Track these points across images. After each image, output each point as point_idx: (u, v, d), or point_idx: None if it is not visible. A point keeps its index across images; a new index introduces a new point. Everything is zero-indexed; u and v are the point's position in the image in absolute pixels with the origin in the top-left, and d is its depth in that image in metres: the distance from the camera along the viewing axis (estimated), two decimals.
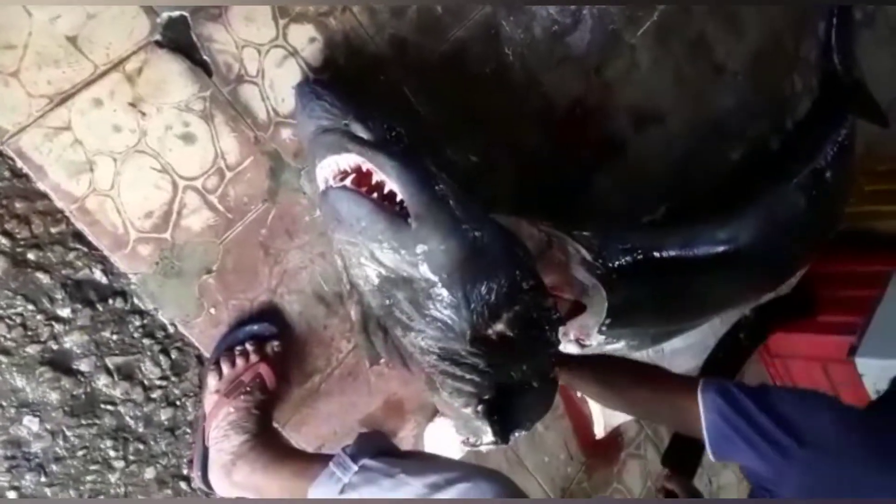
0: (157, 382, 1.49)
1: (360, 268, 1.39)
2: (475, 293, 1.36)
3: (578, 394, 2.06)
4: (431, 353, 1.39)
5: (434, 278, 1.33)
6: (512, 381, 1.45)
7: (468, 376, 1.39)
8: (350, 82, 1.61)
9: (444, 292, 1.33)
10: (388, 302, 1.40)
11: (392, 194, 1.34)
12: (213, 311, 1.50)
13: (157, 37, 1.39)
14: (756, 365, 2.69)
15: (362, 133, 1.37)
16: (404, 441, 1.80)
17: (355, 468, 1.15)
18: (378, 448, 1.23)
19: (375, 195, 1.34)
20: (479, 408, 1.40)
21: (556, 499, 2.10)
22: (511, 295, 1.41)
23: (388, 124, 1.41)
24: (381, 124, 1.40)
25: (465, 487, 1.06)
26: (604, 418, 2.12)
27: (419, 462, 1.21)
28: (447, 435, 1.75)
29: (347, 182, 1.36)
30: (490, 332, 1.40)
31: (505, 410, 1.43)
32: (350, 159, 1.35)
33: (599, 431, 2.15)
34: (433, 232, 1.32)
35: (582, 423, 2.13)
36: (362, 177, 1.36)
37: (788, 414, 1.24)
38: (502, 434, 1.43)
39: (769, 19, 2.42)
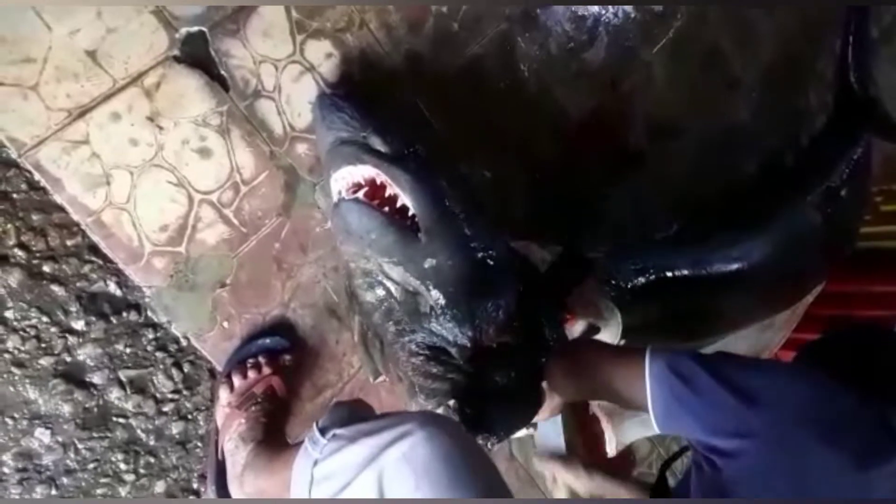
0: (169, 396, 1.48)
1: (364, 279, 1.40)
2: (480, 310, 1.37)
3: (591, 411, 2.04)
4: (419, 356, 1.40)
5: (439, 293, 1.34)
6: (493, 386, 1.44)
7: (448, 376, 1.39)
8: (366, 97, 1.61)
9: (449, 307, 1.35)
10: (389, 315, 1.41)
11: (404, 208, 1.35)
12: (226, 324, 1.50)
13: (176, 52, 1.40)
14: None
15: (380, 146, 1.38)
16: None
17: (324, 441, 1.10)
18: (350, 416, 1.16)
19: (387, 208, 1.35)
20: (451, 403, 1.40)
21: (551, 499, 2.07)
22: (514, 314, 1.42)
23: (407, 139, 1.42)
24: (399, 139, 1.41)
25: (411, 441, 1.00)
26: (616, 436, 2.10)
27: (382, 421, 1.14)
28: None
29: (360, 194, 1.36)
30: (492, 344, 1.41)
31: (478, 413, 1.41)
32: (365, 171, 1.36)
33: (611, 450, 2.13)
34: (442, 247, 1.33)
35: (593, 442, 2.11)
36: (376, 190, 1.37)
37: (741, 380, 1.15)
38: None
39: (784, 35, 2.41)
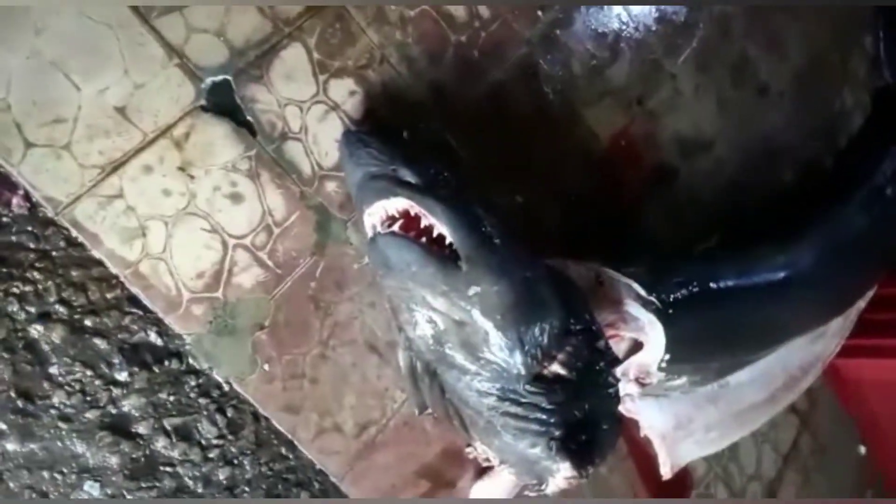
0: (215, 442, 1.49)
1: (410, 313, 1.39)
2: (529, 335, 1.35)
3: (642, 433, 1.99)
4: (491, 395, 1.38)
5: (487, 321, 1.32)
6: (577, 419, 1.42)
7: (532, 415, 1.38)
8: (393, 131, 1.62)
9: (498, 334, 1.33)
10: (439, 347, 1.39)
11: (441, 238, 1.34)
12: (266, 367, 1.51)
13: (203, 102, 1.43)
14: (826, 393, 2.58)
15: (410, 177, 1.38)
16: (462, 490, 1.76)
17: None
18: None
19: (424, 239, 1.35)
20: (552, 444, 1.38)
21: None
22: (563, 336, 1.40)
23: (436, 168, 1.42)
24: (428, 168, 1.41)
25: None
26: (670, 458, 2.05)
27: None
28: (496, 493, 1.71)
29: (395, 227, 1.36)
30: (546, 372, 1.39)
31: (579, 445, 1.40)
32: (398, 203, 1.36)
33: (666, 471, 2.07)
34: (485, 274, 1.32)
35: (647, 464, 2.06)
36: (410, 221, 1.37)
37: None
38: (580, 468, 1.39)
39: (812, 37, 2.38)
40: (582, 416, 1.43)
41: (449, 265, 1.31)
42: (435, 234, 1.35)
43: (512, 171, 1.80)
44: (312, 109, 1.55)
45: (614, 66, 1.96)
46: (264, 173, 1.50)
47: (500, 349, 1.34)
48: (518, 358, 1.34)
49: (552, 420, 1.38)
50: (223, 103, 1.46)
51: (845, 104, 2.49)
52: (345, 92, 1.58)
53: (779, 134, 2.29)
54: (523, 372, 1.35)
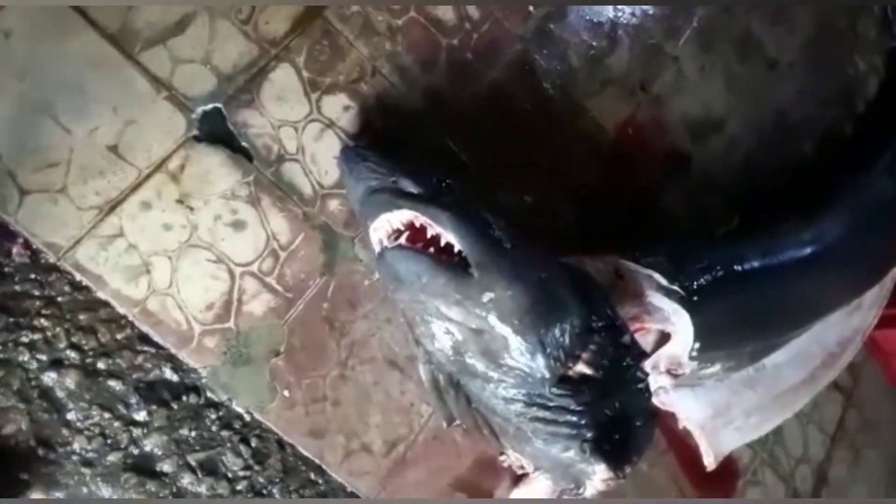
0: (241, 473, 1.46)
1: (426, 325, 1.37)
2: (549, 336, 1.32)
3: (681, 425, 1.94)
4: (517, 402, 1.35)
5: (505, 326, 1.29)
6: (609, 417, 1.38)
7: (562, 419, 1.35)
8: (392, 142, 1.60)
9: (518, 339, 1.30)
10: (460, 357, 1.36)
11: (449, 246, 1.32)
12: (286, 393, 1.48)
13: (195, 132, 1.42)
14: (870, 364, 2.50)
15: (412, 188, 1.36)
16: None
17: None
18: None
19: (432, 249, 1.32)
20: (585, 446, 1.34)
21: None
22: (585, 334, 1.36)
23: (437, 176, 1.40)
24: (429, 177, 1.39)
25: None
26: (712, 447, 1.98)
27: None
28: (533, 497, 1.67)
29: (402, 240, 1.34)
30: (571, 372, 1.35)
31: (613, 444, 1.37)
32: (402, 215, 1.34)
33: (710, 462, 2.00)
34: (498, 279, 1.29)
35: (689, 456, 1.99)
36: (416, 232, 1.34)
37: None
38: (617, 469, 1.36)
39: (817, 4, 2.31)
40: (613, 414, 1.39)
41: (460, 273, 1.28)
42: (443, 242, 1.32)
43: (518, 171, 1.76)
44: (307, 129, 1.53)
45: (613, 55, 1.92)
46: (265, 198, 1.48)
47: (521, 354, 1.31)
48: (541, 361, 1.31)
49: (583, 421, 1.35)
50: (216, 131, 1.45)
51: (858, 69, 2.42)
52: (339, 108, 1.57)
53: (792, 106, 2.23)
54: (547, 375, 1.31)
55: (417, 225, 1.33)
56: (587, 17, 1.89)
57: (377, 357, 1.59)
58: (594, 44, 1.89)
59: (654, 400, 1.78)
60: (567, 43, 1.85)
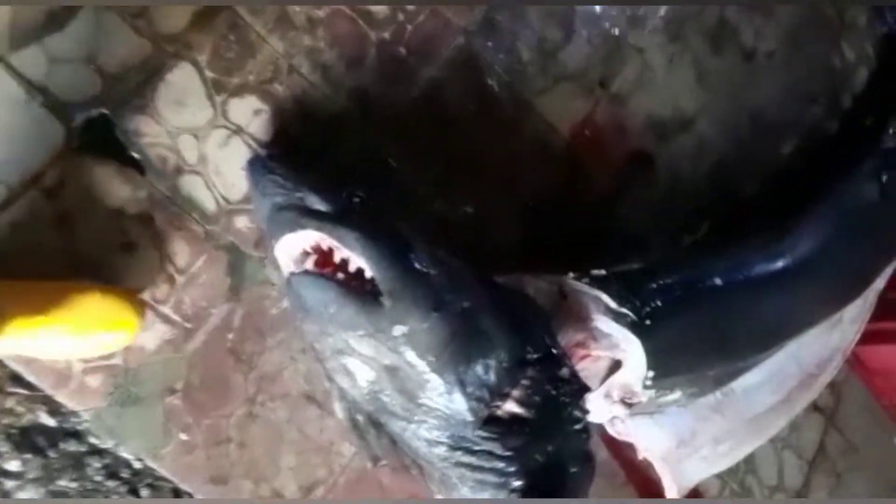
0: None
1: (336, 360, 1.22)
2: (470, 374, 1.18)
3: (640, 456, 1.79)
4: (441, 444, 1.22)
5: (420, 363, 1.15)
6: (540, 464, 1.26)
7: (488, 465, 1.22)
8: (310, 150, 1.44)
9: (434, 377, 1.16)
10: (376, 395, 1.22)
11: (360, 272, 1.17)
12: (183, 436, 1.33)
13: (76, 143, 1.25)
14: (852, 385, 2.35)
15: (319, 205, 1.21)
16: None
17: None
18: None
19: (342, 275, 1.18)
20: (513, 498, 1.23)
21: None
22: (516, 368, 1.23)
23: (348, 191, 1.25)
24: (339, 192, 1.24)
25: None
26: (676, 480, 1.83)
27: None
28: None
29: (308, 264, 1.20)
30: (500, 412, 1.23)
31: (545, 494, 1.26)
32: (307, 237, 1.19)
33: (673, 495, 1.86)
34: (411, 309, 1.15)
35: (650, 490, 1.85)
36: (324, 256, 1.20)
37: None
38: None
39: None
40: (545, 460, 1.26)
41: (369, 302, 1.14)
42: (353, 268, 1.17)
43: (459, 180, 1.60)
44: (211, 136, 1.36)
45: (569, 47, 1.74)
46: (159, 215, 1.31)
47: (439, 395, 1.17)
48: (461, 402, 1.17)
49: (511, 469, 1.22)
50: (102, 141, 1.27)
51: (846, 59, 2.25)
52: (248, 112, 1.39)
53: (770, 102, 2.05)
54: (469, 418, 1.17)
55: (325, 247, 1.19)
56: (539, 6, 1.71)
57: (291, 392, 1.43)
58: (547, 35, 1.71)
59: (610, 430, 1.65)
60: (516, 35, 1.67)
